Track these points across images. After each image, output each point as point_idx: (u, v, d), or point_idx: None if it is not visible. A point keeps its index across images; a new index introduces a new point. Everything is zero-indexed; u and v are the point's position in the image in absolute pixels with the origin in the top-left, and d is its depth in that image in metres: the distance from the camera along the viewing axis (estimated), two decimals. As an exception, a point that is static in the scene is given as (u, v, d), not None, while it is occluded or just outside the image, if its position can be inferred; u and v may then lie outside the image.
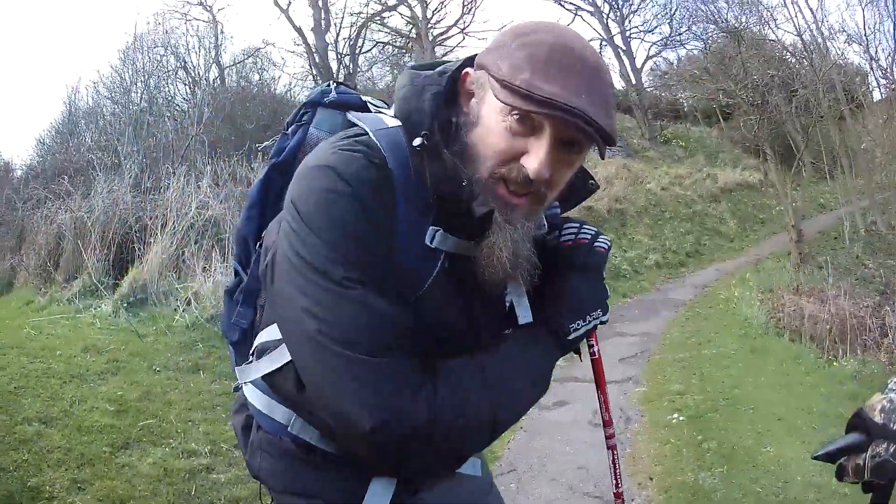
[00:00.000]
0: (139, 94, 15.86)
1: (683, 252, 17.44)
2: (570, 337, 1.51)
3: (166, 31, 18.54)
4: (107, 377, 6.19)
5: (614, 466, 1.81)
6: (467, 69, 1.45)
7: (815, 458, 1.52)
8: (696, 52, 30.09)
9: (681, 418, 6.54)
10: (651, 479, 5.35)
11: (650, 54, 33.09)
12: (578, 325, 1.51)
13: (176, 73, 18.78)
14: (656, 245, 17.06)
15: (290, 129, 1.73)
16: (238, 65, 21.91)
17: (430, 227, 1.41)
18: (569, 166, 1.39)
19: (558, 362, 1.53)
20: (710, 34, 26.66)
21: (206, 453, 5.05)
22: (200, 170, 11.31)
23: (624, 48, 30.43)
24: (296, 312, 1.31)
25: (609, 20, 30.44)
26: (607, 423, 1.80)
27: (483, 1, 32.13)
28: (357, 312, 1.27)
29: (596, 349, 1.77)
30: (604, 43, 29.98)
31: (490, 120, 1.35)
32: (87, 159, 12.65)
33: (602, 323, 1.58)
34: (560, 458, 5.74)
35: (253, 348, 1.58)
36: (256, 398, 1.60)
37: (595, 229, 1.62)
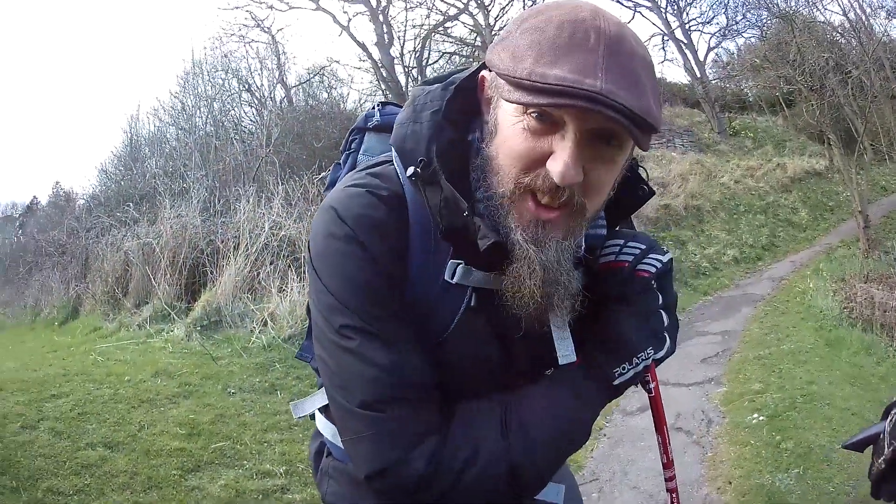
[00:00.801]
0: (203, 119, 16.09)
1: (759, 245, 17.21)
2: (616, 382, 1.33)
3: (225, 55, 18.80)
4: (178, 401, 6.17)
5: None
6: (484, 72, 1.28)
7: (844, 447, 1.49)
8: (753, 40, 29.82)
9: (760, 418, 6.37)
10: (730, 482, 5.23)
11: (711, 46, 32.88)
12: (625, 368, 1.32)
13: (240, 96, 19.01)
14: (733, 240, 16.85)
15: (342, 158, 1.65)
16: (304, 84, 21.94)
17: (451, 262, 1.27)
18: (608, 164, 1.19)
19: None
20: (764, 21, 26.46)
21: (281, 474, 5.00)
22: (272, 190, 11.38)
23: (685, 42, 30.00)
24: (318, 357, 1.31)
25: (667, 14, 30.07)
26: (667, 466, 1.58)
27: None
28: (353, 364, 1.23)
29: (652, 386, 1.50)
30: (666, 38, 29.73)
31: (506, 123, 1.19)
32: (152, 186, 12.92)
33: (657, 361, 1.39)
34: (642, 464, 5.61)
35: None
36: (325, 426, 1.59)
37: (644, 245, 1.37)
